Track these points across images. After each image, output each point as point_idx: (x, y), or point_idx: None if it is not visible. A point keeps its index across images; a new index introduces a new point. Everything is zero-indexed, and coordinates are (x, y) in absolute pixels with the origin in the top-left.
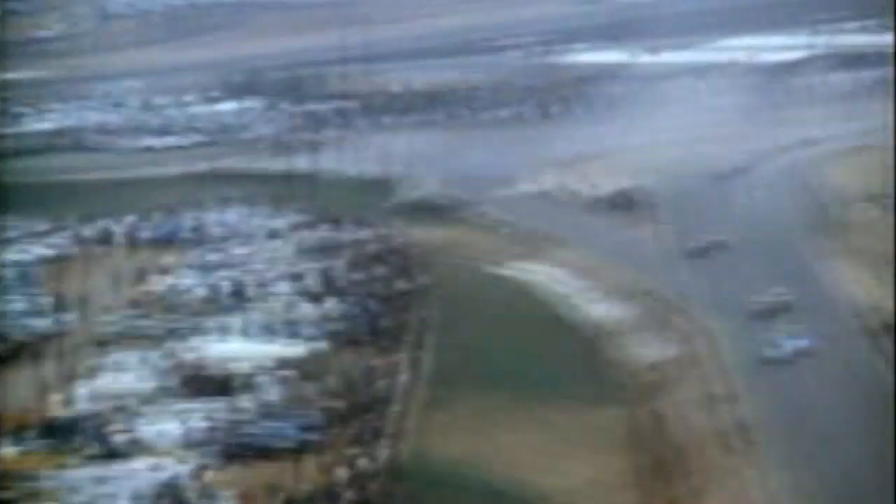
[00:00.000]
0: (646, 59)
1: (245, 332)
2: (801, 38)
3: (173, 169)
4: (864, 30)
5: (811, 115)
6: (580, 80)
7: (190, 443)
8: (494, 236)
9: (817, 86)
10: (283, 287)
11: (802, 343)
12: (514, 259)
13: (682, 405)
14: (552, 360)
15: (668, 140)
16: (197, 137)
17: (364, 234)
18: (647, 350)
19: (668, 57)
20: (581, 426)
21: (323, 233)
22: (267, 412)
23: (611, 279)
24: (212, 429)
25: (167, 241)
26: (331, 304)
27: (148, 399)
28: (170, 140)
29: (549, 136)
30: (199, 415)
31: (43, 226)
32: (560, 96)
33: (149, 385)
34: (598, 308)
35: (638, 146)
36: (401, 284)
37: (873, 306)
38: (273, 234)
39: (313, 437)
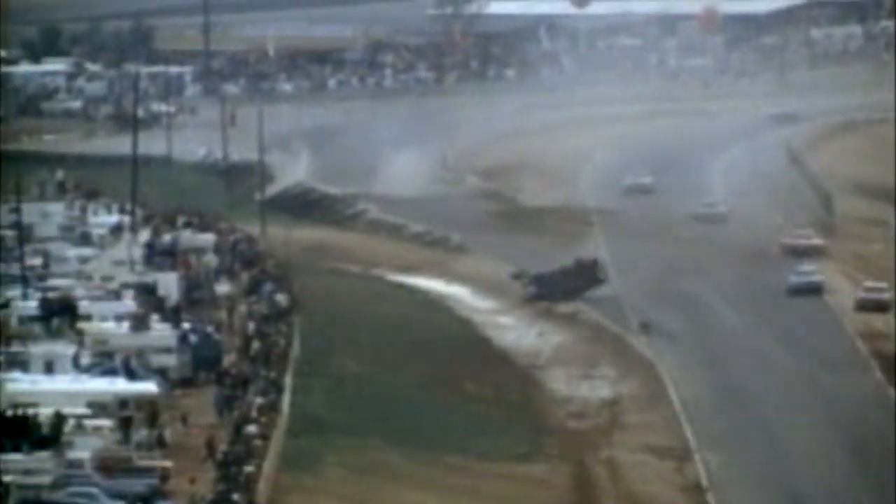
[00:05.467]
0: (571, 10)
1: (48, 366)
2: None
3: None
4: None
5: (796, 82)
6: (494, 36)
7: None
8: (388, 240)
9: (805, 44)
10: (98, 307)
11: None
12: (411, 270)
13: (622, 461)
14: (462, 394)
15: (605, 116)
16: None
17: (209, 236)
18: (575, 388)
19: (601, 8)
20: (501, 488)
21: (159, 235)
22: (71, 475)
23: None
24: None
25: None
26: (159, 331)
27: None
28: None
29: (455, 109)
30: None
31: None
32: (467, 58)
33: None
34: (513, 335)
35: (566, 122)
36: (260, 302)
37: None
38: (85, 239)
39: None
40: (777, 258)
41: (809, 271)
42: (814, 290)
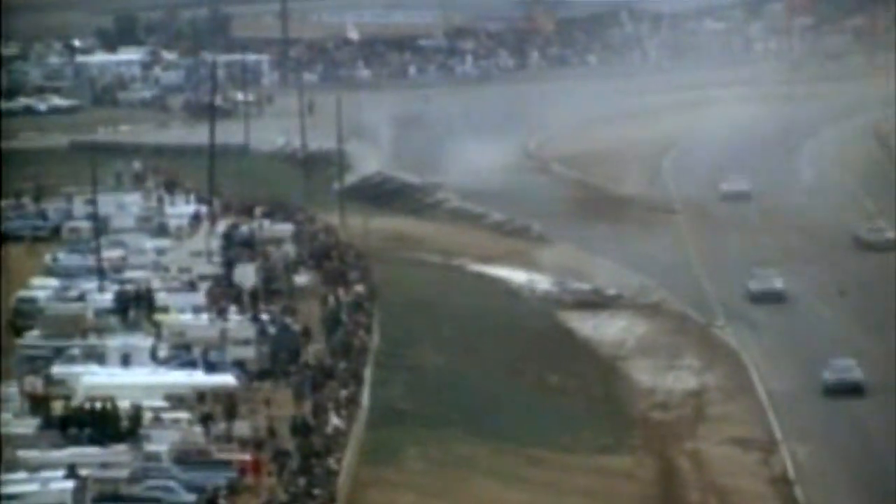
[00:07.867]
0: None
1: (124, 358)
2: None
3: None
4: None
5: (886, 64)
6: (576, 21)
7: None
8: (468, 229)
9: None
10: (175, 299)
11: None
12: (492, 259)
13: (706, 453)
14: (545, 386)
15: (690, 101)
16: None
17: (287, 226)
18: (659, 379)
19: None
20: (584, 481)
21: (234, 226)
22: (149, 468)
23: (611, 287)
24: (78, 489)
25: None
26: (237, 323)
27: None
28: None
29: (536, 96)
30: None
31: None
32: (548, 43)
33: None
34: (597, 325)
35: (649, 108)
36: (338, 293)
37: None
38: (162, 230)
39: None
40: None
41: None
42: None
